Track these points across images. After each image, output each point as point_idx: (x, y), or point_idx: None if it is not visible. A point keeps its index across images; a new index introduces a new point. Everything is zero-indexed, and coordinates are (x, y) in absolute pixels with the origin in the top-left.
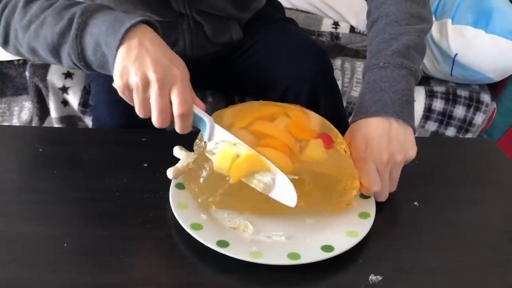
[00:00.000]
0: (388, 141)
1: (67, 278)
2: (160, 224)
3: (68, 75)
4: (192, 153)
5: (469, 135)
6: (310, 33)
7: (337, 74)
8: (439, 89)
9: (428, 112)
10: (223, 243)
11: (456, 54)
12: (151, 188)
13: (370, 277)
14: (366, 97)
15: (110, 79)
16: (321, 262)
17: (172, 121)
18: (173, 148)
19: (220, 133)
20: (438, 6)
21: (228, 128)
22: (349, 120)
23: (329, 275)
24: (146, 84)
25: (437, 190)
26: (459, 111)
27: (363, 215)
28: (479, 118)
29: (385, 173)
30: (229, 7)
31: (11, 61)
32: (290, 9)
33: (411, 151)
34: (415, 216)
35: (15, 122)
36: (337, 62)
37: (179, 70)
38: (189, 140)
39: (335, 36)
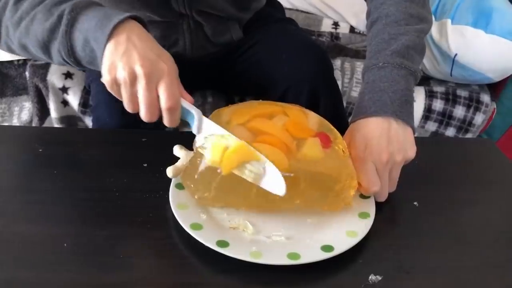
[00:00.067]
0: (387, 141)
1: (66, 278)
2: (160, 224)
3: (68, 75)
4: (192, 152)
5: (469, 135)
6: (310, 33)
7: (337, 74)
8: (439, 89)
9: (428, 112)
10: (223, 243)
11: (456, 54)
12: (151, 188)
13: (370, 277)
14: (366, 97)
15: None
16: (321, 262)
17: (161, 116)
18: (173, 148)
19: (209, 125)
20: (438, 6)
21: (226, 124)
22: (349, 120)
23: (329, 275)
24: (133, 79)
25: (437, 190)
26: (459, 111)
27: (363, 215)
28: (479, 118)
29: (385, 173)
30: (229, 7)
31: (11, 61)
32: (290, 9)
33: (411, 151)
34: (415, 216)
35: (15, 122)
36: (337, 62)
37: (167, 65)
38: (189, 139)
39: (335, 36)
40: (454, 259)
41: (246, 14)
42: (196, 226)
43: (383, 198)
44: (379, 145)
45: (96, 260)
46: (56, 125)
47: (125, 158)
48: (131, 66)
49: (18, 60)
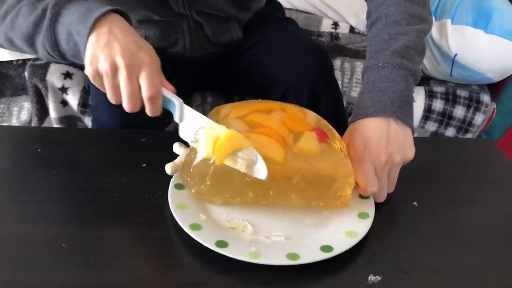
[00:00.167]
0: (386, 141)
1: (65, 278)
2: (159, 224)
3: (67, 75)
4: None
5: (468, 136)
6: (310, 33)
7: (337, 74)
8: (439, 89)
9: (428, 112)
10: (222, 243)
11: (455, 55)
12: (150, 188)
13: (369, 277)
14: (365, 97)
15: None
16: (320, 262)
17: (143, 106)
18: (172, 148)
19: (190, 113)
20: (438, 6)
21: (224, 117)
22: (348, 120)
23: (328, 275)
24: (114, 70)
25: (437, 190)
26: (459, 112)
27: (362, 215)
28: (478, 119)
29: (384, 174)
30: (229, 7)
31: (10, 62)
32: (290, 9)
33: (410, 152)
34: (414, 216)
35: (14, 122)
36: (336, 62)
37: (148, 55)
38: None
39: (334, 37)
40: (453, 259)
41: (246, 14)
42: (195, 227)
43: (382, 198)
44: (378, 145)
45: (95, 260)
46: (55, 125)
47: (124, 158)
48: (113, 58)
49: (17, 60)
